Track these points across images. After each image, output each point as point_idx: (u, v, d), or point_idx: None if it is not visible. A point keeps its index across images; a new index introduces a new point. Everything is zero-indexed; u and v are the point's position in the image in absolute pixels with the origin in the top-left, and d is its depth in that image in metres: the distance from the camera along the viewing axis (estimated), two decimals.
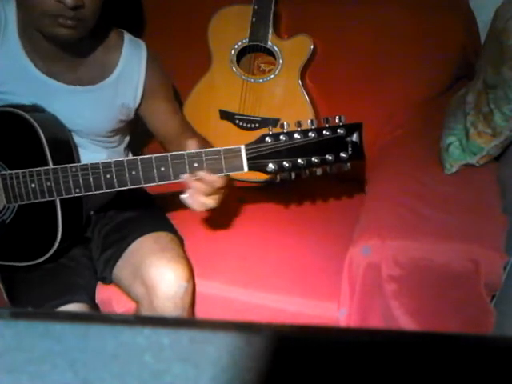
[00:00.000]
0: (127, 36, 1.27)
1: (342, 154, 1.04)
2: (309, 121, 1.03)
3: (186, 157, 1.05)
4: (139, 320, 0.37)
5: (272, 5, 1.51)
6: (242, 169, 1.04)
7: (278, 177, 1.06)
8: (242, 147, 1.04)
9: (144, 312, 1.19)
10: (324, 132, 1.03)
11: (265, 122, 1.59)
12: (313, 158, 1.03)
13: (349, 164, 1.07)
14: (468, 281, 1.06)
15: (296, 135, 1.02)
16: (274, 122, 1.58)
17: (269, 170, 1.04)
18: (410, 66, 1.54)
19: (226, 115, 1.62)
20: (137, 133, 1.43)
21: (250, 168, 1.04)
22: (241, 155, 1.04)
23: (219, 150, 1.04)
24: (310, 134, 1.02)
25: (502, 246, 1.06)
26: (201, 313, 1.27)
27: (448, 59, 1.53)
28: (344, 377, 0.32)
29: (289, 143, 1.02)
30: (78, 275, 1.25)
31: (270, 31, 1.52)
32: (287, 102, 1.57)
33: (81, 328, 0.35)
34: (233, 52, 1.57)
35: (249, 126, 1.60)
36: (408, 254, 1.08)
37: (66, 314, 0.37)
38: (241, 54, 1.59)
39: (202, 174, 1.05)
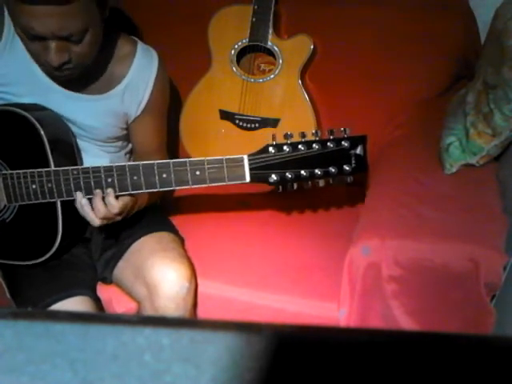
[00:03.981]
0: (140, 46, 1.23)
1: (346, 167, 1.03)
2: (313, 131, 1.02)
3: (188, 164, 1.04)
4: (139, 320, 0.37)
5: (272, 5, 1.51)
6: (244, 179, 1.03)
7: (280, 187, 1.05)
8: (245, 157, 1.02)
9: (146, 312, 1.19)
10: (328, 144, 1.01)
11: (265, 122, 1.59)
12: (316, 170, 1.02)
13: (352, 176, 1.05)
14: (468, 281, 1.06)
15: (300, 146, 1.01)
16: (274, 122, 1.58)
17: (271, 180, 1.02)
18: (410, 66, 1.53)
19: (225, 115, 1.62)
20: None
21: (252, 178, 1.03)
22: (243, 165, 1.02)
23: (222, 159, 1.03)
24: (313, 145, 1.01)
25: (502, 245, 1.06)
26: (202, 313, 1.27)
27: (448, 59, 1.53)
28: (344, 377, 0.32)
29: (292, 154, 1.01)
30: (80, 270, 1.25)
31: (270, 31, 1.53)
32: (287, 101, 1.57)
33: (81, 328, 0.35)
34: (233, 52, 1.57)
35: (249, 125, 1.60)
36: (408, 254, 1.08)
37: (66, 313, 0.37)
38: (241, 54, 1.59)
39: (109, 191, 1.05)
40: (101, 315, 0.48)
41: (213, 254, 1.35)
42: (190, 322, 0.39)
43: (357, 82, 1.58)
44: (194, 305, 1.25)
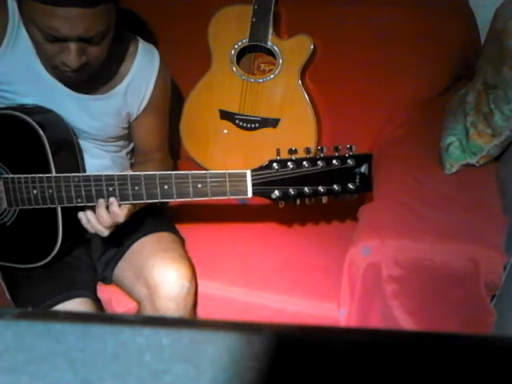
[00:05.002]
0: (142, 44, 1.23)
1: (350, 186, 1.02)
2: (318, 147, 1.01)
3: (190, 177, 1.03)
4: (139, 320, 0.37)
5: (272, 5, 1.51)
6: (245, 194, 1.03)
7: (283, 202, 1.04)
8: (248, 172, 1.02)
9: (146, 313, 1.19)
10: (333, 162, 1.00)
11: (265, 122, 1.59)
12: (319, 188, 1.01)
13: (356, 194, 1.05)
14: (468, 281, 1.06)
15: (304, 163, 1.00)
16: (274, 122, 1.58)
17: (273, 196, 1.02)
18: (410, 66, 1.54)
19: (226, 115, 1.62)
20: None
21: (254, 193, 1.02)
22: (246, 180, 1.02)
23: (224, 173, 1.02)
24: (318, 162, 1.00)
25: (502, 245, 1.06)
26: (202, 313, 1.27)
27: (448, 59, 1.53)
28: (344, 377, 0.32)
29: (296, 171, 1.00)
30: (80, 272, 1.25)
31: (270, 31, 1.52)
32: (287, 101, 1.57)
33: (81, 328, 0.35)
34: (233, 52, 1.57)
35: (249, 126, 1.60)
36: (408, 254, 1.08)
37: (66, 313, 0.37)
38: (241, 53, 1.59)
39: (112, 200, 1.05)
40: (101, 315, 0.48)
41: (213, 254, 1.35)
42: (190, 322, 0.39)
43: (357, 82, 1.58)
44: (195, 305, 1.25)
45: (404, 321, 1.10)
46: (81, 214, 1.09)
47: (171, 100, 1.34)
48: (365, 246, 1.10)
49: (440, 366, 0.32)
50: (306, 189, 1.01)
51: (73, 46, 1.00)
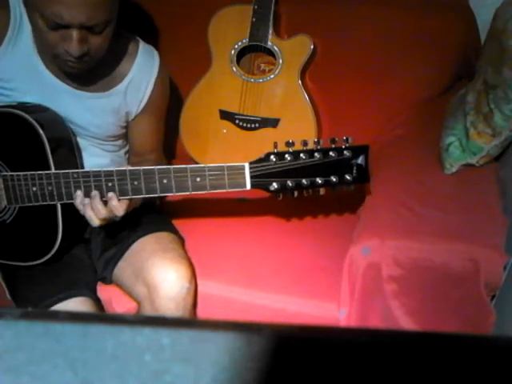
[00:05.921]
0: (142, 44, 1.25)
1: (347, 177, 1.03)
2: (315, 140, 1.02)
3: (188, 171, 1.04)
4: (139, 320, 0.37)
5: (272, 5, 1.51)
6: (244, 186, 1.04)
7: (281, 195, 1.05)
8: (246, 165, 1.03)
9: (146, 312, 1.19)
10: (330, 153, 1.01)
11: (265, 122, 1.59)
12: (317, 179, 1.02)
13: (353, 185, 1.05)
14: (468, 281, 1.06)
15: (301, 155, 1.01)
16: (274, 122, 1.58)
17: (272, 188, 1.03)
18: (410, 65, 1.54)
19: (226, 115, 1.62)
20: None
21: (253, 186, 1.03)
22: (244, 173, 1.03)
23: (223, 167, 1.03)
24: (315, 154, 1.01)
25: (502, 245, 1.06)
26: (201, 313, 1.27)
27: (448, 59, 1.53)
28: (344, 377, 0.32)
29: (294, 163, 1.01)
30: (80, 271, 1.25)
31: (270, 31, 1.52)
32: (287, 101, 1.57)
33: (81, 328, 0.35)
34: (233, 52, 1.57)
35: (249, 125, 1.60)
36: (408, 254, 1.08)
37: (66, 313, 0.37)
38: (241, 53, 1.59)
39: (111, 195, 1.05)
40: (101, 315, 0.48)
41: (213, 254, 1.35)
42: (189, 322, 0.39)
43: (357, 81, 1.58)
44: (194, 305, 1.25)
45: (404, 321, 1.10)
46: (79, 196, 1.07)
47: (170, 101, 1.35)
48: (365, 245, 1.10)
49: (440, 366, 0.32)
50: (304, 180, 1.02)
51: (75, 33, 1.01)
